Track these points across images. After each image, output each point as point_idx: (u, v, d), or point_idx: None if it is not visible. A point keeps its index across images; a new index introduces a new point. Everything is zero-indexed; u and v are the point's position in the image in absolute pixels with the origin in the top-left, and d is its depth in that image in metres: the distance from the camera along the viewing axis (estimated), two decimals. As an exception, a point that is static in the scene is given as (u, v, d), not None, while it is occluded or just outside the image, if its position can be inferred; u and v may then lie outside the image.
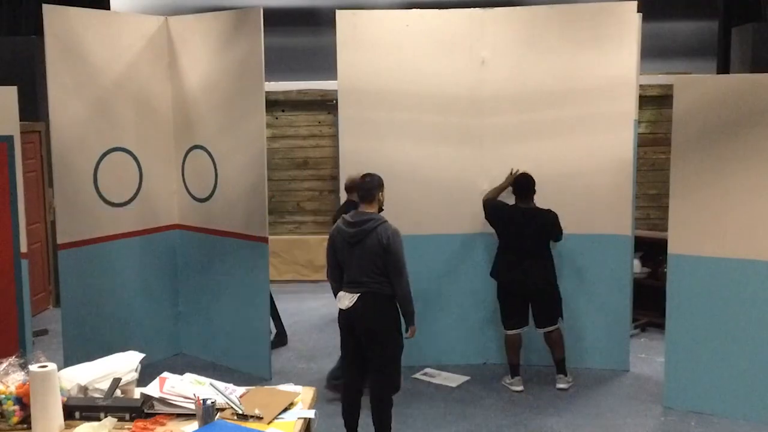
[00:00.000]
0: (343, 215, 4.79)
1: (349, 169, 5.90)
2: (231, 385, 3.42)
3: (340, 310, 4.71)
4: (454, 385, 5.93)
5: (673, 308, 5.38)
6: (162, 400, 3.22)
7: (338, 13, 6.00)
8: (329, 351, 6.67)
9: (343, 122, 6.15)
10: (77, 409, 3.16)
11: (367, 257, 4.58)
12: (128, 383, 3.40)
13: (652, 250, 7.35)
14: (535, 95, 6.04)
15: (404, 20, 6.06)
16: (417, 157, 6.13)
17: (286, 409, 3.27)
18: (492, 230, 5.94)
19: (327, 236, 4.98)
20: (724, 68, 9.11)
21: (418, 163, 6.13)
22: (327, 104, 9.54)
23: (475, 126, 6.11)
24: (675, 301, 5.37)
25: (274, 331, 6.84)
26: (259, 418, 3.14)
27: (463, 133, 6.12)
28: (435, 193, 6.16)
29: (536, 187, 5.78)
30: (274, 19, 8.28)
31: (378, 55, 6.03)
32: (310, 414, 3.31)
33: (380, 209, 4.78)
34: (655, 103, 9.28)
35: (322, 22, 9.53)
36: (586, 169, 6.03)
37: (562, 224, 5.72)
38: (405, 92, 6.08)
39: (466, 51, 6.05)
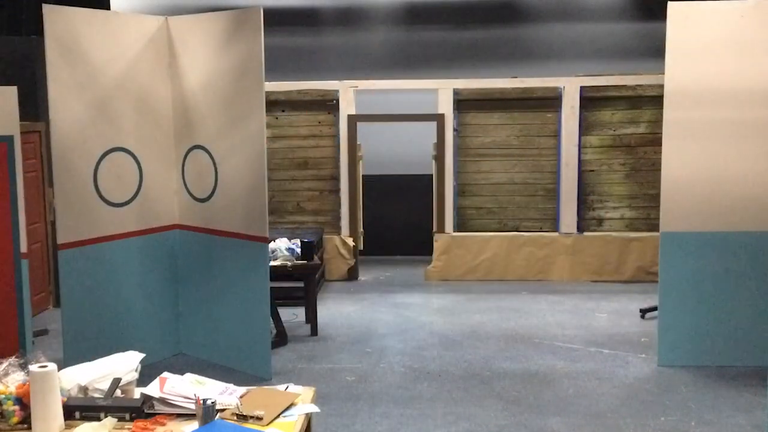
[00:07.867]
0: None
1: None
2: (231, 385, 3.42)
3: None
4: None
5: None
6: (162, 400, 3.22)
7: (670, 4, 5.90)
8: (329, 352, 6.67)
9: (669, 125, 5.99)
10: (77, 409, 3.16)
11: None
12: (128, 383, 3.40)
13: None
14: None
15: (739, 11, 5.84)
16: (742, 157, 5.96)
17: (286, 410, 3.26)
18: None
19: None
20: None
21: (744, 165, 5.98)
22: (327, 104, 9.54)
23: None
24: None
25: (274, 331, 6.85)
26: (259, 419, 3.14)
27: None
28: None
29: None
30: (274, 19, 8.29)
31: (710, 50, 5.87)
32: (314, 408, 3.32)
33: None
34: (655, 103, 9.28)
35: (322, 22, 9.55)
36: None
37: None
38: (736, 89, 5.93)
39: None
